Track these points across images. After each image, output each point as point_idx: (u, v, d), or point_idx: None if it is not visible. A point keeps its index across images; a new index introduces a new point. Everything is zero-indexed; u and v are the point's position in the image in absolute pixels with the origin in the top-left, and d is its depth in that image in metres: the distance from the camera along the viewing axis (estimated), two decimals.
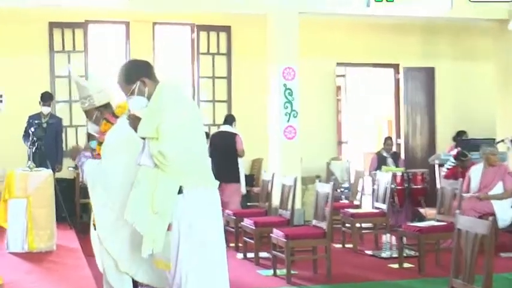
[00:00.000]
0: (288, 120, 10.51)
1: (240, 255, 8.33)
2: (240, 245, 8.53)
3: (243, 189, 10.14)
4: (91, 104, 4.95)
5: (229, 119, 10.31)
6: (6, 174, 8.36)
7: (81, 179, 5.13)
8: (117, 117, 4.89)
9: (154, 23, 12.19)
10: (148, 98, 4.26)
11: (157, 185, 4.11)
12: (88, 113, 5.03)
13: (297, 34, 10.64)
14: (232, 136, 9.93)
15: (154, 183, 4.12)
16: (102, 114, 4.96)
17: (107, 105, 4.99)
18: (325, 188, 7.37)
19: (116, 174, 4.70)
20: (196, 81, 12.41)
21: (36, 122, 9.63)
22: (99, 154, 4.89)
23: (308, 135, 11.58)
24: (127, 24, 12.07)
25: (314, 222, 7.38)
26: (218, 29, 12.43)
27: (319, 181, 8.49)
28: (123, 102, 4.71)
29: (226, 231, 8.79)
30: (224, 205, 10.14)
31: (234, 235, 8.71)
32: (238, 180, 9.88)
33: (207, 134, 10.99)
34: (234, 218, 8.77)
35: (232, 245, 8.69)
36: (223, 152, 9.66)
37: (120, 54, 12.09)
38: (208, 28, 12.38)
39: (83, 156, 5.02)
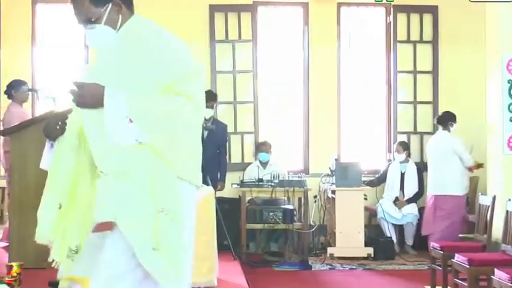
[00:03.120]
0: None
1: None
2: None
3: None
4: None
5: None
6: None
7: None
8: None
9: (340, 4, 12.48)
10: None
11: (153, 169, 3.55)
12: None
13: None
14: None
15: (149, 168, 3.56)
16: None
17: None
18: None
19: None
20: (393, 76, 12.53)
21: None
22: None
23: None
24: (305, 5, 12.41)
25: None
26: (421, 9, 12.50)
27: None
28: None
29: (433, 270, 8.88)
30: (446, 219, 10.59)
31: (441, 274, 8.63)
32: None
33: None
34: (442, 252, 8.73)
35: (438, 287, 8.71)
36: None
37: (297, 43, 12.49)
38: (408, 9, 12.47)
39: None
